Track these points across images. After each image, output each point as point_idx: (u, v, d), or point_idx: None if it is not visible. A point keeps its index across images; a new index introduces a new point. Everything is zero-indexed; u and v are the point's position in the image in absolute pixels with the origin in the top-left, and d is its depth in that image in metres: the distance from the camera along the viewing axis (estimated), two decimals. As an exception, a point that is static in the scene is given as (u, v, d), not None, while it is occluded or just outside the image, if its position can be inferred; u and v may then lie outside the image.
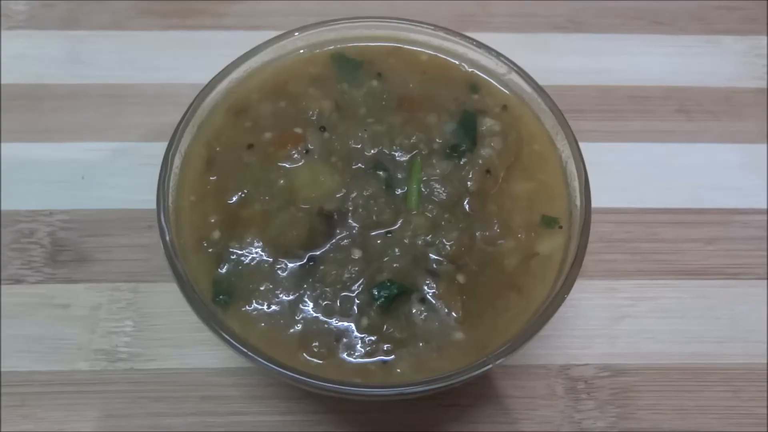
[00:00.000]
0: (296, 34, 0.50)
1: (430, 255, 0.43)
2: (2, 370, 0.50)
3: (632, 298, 0.55)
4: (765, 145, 0.63)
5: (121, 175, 0.60)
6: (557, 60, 0.68)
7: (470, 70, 0.51)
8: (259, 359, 0.37)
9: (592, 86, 0.67)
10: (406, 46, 0.52)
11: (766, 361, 0.53)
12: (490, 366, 0.38)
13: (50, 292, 0.54)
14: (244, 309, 0.41)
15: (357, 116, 0.48)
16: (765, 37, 0.70)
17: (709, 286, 0.56)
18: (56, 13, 0.69)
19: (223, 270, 0.42)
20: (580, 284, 0.54)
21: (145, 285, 0.54)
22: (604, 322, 0.54)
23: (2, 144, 0.61)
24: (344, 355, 0.40)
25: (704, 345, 0.53)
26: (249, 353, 0.38)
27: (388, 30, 0.52)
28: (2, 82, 0.64)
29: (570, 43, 0.70)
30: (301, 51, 0.51)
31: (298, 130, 0.47)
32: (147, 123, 0.63)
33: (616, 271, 0.56)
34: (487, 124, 0.48)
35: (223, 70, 0.49)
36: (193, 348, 0.52)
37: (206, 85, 0.48)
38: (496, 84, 0.50)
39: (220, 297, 0.42)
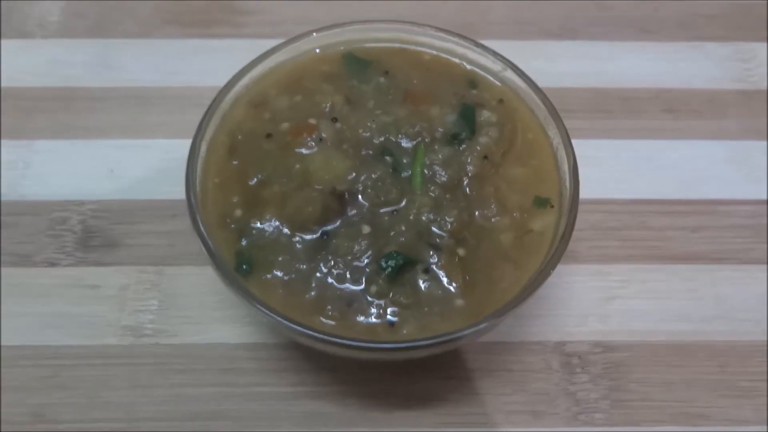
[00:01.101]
0: (314, 34, 0.55)
1: (433, 230, 0.46)
2: (37, 344, 0.54)
3: (622, 280, 0.59)
4: (746, 142, 0.67)
5: (147, 169, 0.64)
6: (551, 64, 0.72)
7: (469, 68, 0.55)
8: (279, 318, 0.41)
9: (585, 88, 0.71)
10: (410, 47, 0.57)
11: (748, 339, 0.56)
12: (486, 324, 0.42)
13: (81, 275, 0.58)
14: (264, 277, 0.45)
15: (366, 109, 0.51)
16: (746, 43, 0.75)
17: (694, 270, 0.59)
18: (86, 23, 0.75)
19: (245, 243, 0.46)
20: (573, 268, 0.59)
21: (170, 268, 0.59)
22: (596, 303, 0.58)
23: (36, 141, 0.66)
24: (355, 318, 0.44)
25: (690, 324, 0.57)
26: (270, 313, 0.42)
27: (395, 32, 0.57)
28: (37, 86, 0.69)
29: (563, 49, 0.75)
30: (316, 50, 0.56)
31: (313, 121, 0.50)
32: (171, 122, 0.67)
33: (607, 256, 0.60)
34: (484, 115, 0.51)
35: (243, 68, 0.53)
36: (214, 325, 0.56)
37: (228, 81, 0.52)
38: (493, 80, 0.54)
39: (243, 267, 0.46)
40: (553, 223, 0.46)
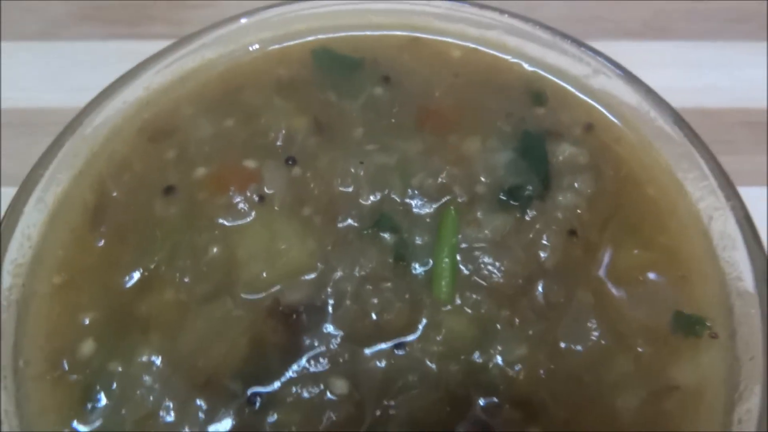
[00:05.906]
0: (267, 13, 0.34)
1: (478, 387, 0.25)
2: None
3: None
4: None
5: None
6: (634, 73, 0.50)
7: (531, 69, 0.36)
8: None
9: (690, 109, 0.48)
10: (427, 36, 0.37)
11: None
12: None
13: None
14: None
15: (349, 140, 0.34)
16: None
17: None
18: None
19: (90, 417, 0.24)
20: None
21: None
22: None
23: None
24: None
25: None
26: None
27: (401, 12, 0.35)
28: None
29: (650, 53, 0.54)
30: (262, 44, 0.34)
31: (250, 163, 0.32)
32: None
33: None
34: (564, 152, 0.34)
35: (136, 66, 0.32)
36: None
37: (104, 89, 0.31)
38: (574, 90, 0.35)
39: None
40: (721, 370, 0.27)
